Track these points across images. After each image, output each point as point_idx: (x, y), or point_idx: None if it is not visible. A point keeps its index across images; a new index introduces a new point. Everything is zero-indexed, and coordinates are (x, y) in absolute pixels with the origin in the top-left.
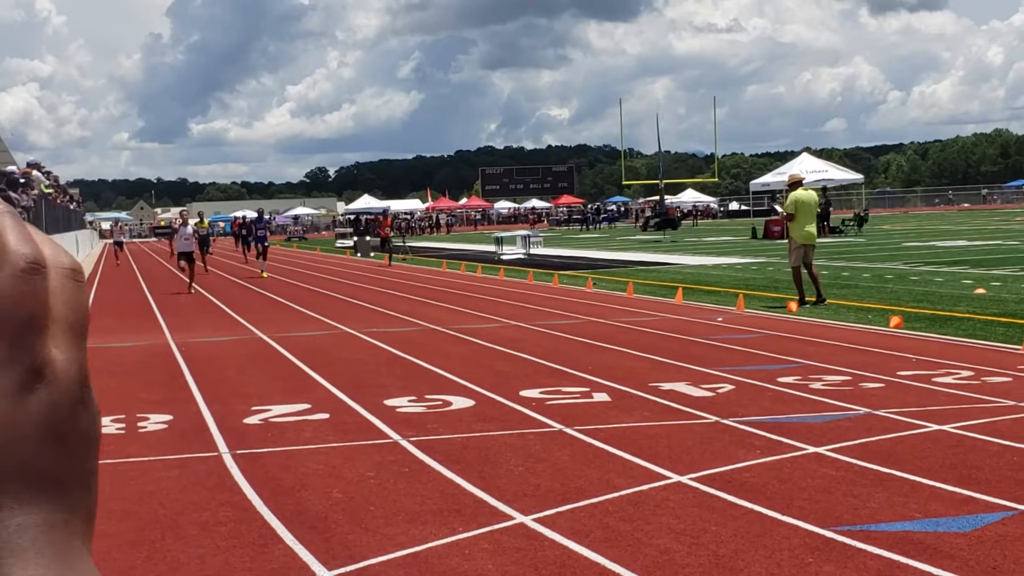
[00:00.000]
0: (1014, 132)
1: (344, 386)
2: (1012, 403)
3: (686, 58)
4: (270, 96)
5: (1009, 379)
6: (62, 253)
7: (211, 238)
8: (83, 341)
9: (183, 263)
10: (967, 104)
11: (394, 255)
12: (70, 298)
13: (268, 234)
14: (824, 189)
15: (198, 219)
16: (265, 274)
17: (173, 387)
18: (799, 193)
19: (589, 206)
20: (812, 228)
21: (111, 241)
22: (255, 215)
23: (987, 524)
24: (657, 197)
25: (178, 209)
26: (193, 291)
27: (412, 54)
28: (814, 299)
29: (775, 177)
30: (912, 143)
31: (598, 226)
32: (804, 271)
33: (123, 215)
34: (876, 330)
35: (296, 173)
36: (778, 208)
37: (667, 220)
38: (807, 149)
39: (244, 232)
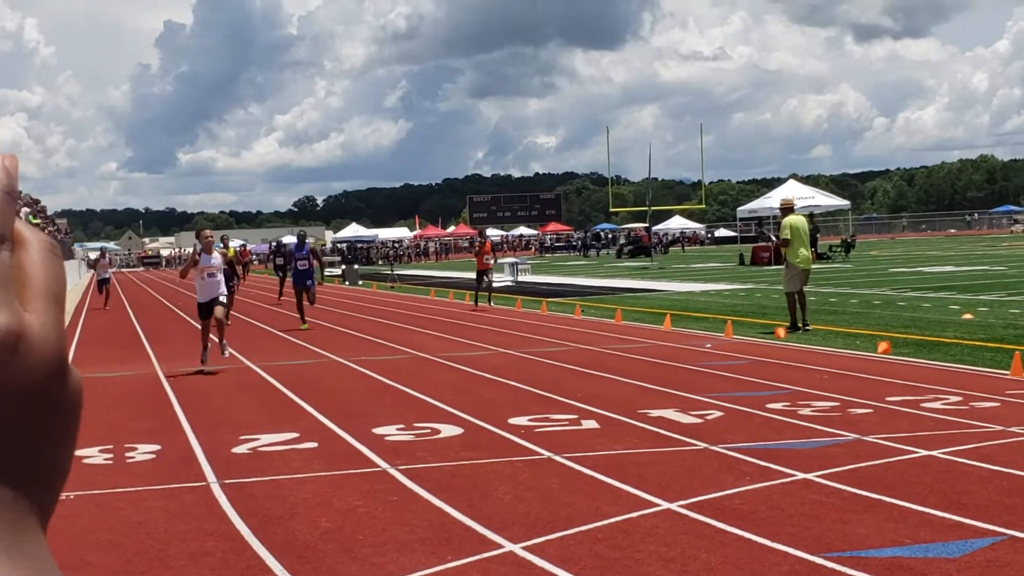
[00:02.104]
0: (999, 158)
1: (332, 415)
2: (1000, 428)
3: (672, 86)
4: (258, 126)
5: (997, 404)
6: (41, 232)
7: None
8: (62, 311)
9: (209, 320)
10: (952, 130)
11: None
12: (50, 268)
13: (315, 267)
14: (811, 215)
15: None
16: (306, 325)
17: (161, 417)
18: (792, 218)
19: (588, 232)
20: (807, 252)
21: (94, 275)
22: (294, 241)
23: (977, 549)
24: (645, 223)
25: (167, 239)
26: (212, 371)
27: (399, 83)
28: (802, 325)
29: (762, 203)
30: (898, 169)
31: (598, 252)
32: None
33: (111, 245)
34: (864, 356)
35: (284, 202)
36: (773, 237)
37: (641, 247)
38: (794, 175)
39: (281, 262)
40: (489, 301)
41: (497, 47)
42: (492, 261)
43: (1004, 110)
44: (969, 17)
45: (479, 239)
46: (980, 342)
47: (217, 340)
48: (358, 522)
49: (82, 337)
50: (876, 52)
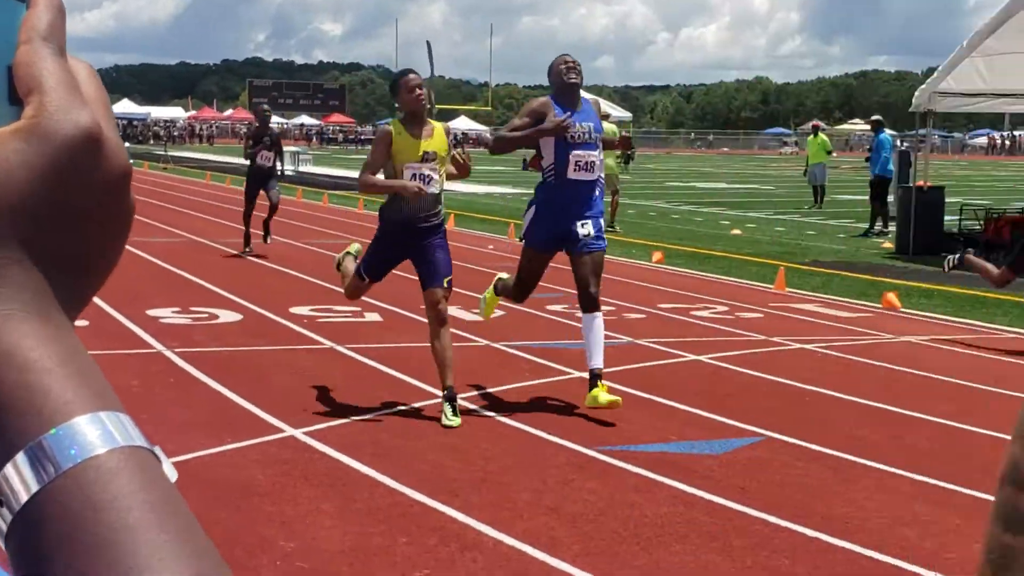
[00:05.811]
0: (774, 80)
1: (103, 294)
2: (763, 337)
3: None
4: None
5: (761, 315)
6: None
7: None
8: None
9: None
10: (731, 50)
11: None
12: (98, 86)
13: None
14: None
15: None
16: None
17: None
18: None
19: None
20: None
21: None
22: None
23: (737, 448)
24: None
25: None
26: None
27: None
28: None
29: None
30: (678, 85)
31: None
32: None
33: None
34: (639, 264)
35: None
36: None
37: None
38: None
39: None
40: None
41: None
42: None
43: (781, 33)
44: None
45: None
46: (747, 256)
47: None
48: (135, 402)
49: None
50: None
